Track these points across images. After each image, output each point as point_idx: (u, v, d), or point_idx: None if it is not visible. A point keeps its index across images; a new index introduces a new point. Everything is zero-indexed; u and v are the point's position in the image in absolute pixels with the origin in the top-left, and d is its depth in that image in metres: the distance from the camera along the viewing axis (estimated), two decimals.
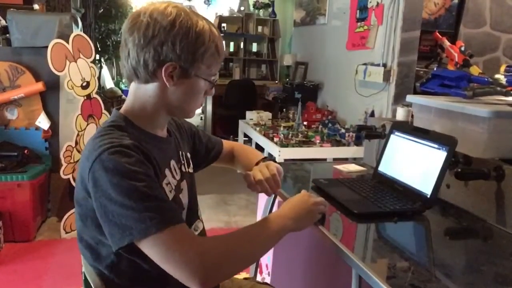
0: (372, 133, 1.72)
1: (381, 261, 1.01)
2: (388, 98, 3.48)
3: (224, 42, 1.03)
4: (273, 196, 1.63)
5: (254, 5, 6.11)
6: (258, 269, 1.86)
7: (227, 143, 1.36)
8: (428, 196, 1.20)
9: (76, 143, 2.77)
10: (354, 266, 0.95)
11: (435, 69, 1.84)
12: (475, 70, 1.97)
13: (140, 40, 0.88)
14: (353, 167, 1.72)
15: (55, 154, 2.92)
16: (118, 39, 6.07)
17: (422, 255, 1.06)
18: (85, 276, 0.99)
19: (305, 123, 3.96)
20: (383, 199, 1.25)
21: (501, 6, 4.21)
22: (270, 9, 6.06)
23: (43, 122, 2.91)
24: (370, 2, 3.74)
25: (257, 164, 1.23)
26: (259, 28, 6.08)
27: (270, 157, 3.66)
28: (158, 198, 0.83)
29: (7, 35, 2.98)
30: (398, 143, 1.41)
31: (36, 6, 3.34)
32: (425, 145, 1.28)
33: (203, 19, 0.93)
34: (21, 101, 2.90)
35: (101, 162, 0.82)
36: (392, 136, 1.44)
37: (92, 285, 0.95)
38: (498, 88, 1.40)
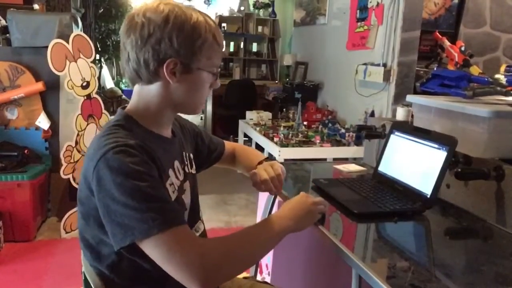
0: (372, 133, 1.72)
1: (381, 261, 1.01)
2: (388, 98, 3.48)
3: (224, 42, 1.02)
4: (273, 196, 1.63)
5: (254, 5, 6.11)
6: (258, 269, 1.86)
7: (228, 144, 1.36)
8: (428, 196, 1.21)
9: (76, 143, 2.77)
10: (354, 266, 0.95)
11: (435, 69, 1.84)
12: (475, 70, 1.97)
13: (137, 41, 0.89)
14: (353, 167, 1.72)
15: (55, 154, 2.92)
16: (118, 39, 6.06)
17: (422, 255, 1.06)
18: (85, 276, 0.99)
19: (305, 123, 3.96)
20: (383, 199, 1.25)
21: (501, 6, 4.21)
22: (270, 9, 6.07)
23: (43, 122, 2.91)
24: (370, 2, 3.74)
25: (259, 164, 1.23)
26: (259, 28, 6.08)
27: (270, 157, 3.66)
28: (161, 199, 0.83)
29: (7, 35, 2.98)
30: (398, 143, 1.41)
31: (36, 6, 3.35)
32: (425, 145, 1.28)
33: (197, 12, 0.92)
34: (21, 101, 2.90)
35: (106, 161, 0.82)
36: (392, 136, 1.44)
37: (92, 285, 0.95)
38: (498, 88, 1.40)
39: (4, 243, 2.61)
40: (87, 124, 2.82)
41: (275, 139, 3.45)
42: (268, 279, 1.97)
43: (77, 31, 3.03)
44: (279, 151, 3.27)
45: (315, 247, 1.75)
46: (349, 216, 1.18)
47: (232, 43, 6.19)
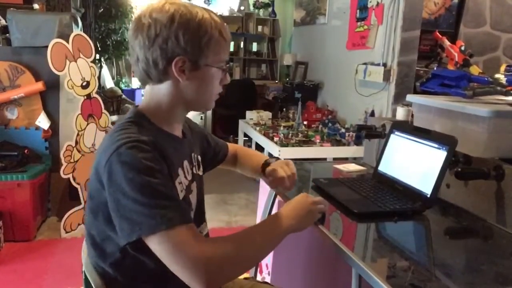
0: (372, 133, 1.72)
1: (381, 261, 1.01)
2: (388, 98, 3.48)
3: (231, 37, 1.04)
4: (273, 195, 1.63)
5: (254, 5, 6.11)
6: (258, 269, 1.86)
7: (230, 146, 1.38)
8: (428, 196, 1.21)
9: (76, 142, 2.77)
10: (354, 265, 0.95)
11: (435, 68, 1.84)
12: (475, 70, 1.97)
13: (145, 42, 0.90)
14: (353, 167, 1.72)
15: (55, 154, 2.92)
16: (118, 38, 6.06)
17: (422, 255, 1.06)
18: (85, 276, 0.99)
19: (305, 122, 3.96)
20: (383, 199, 1.25)
21: (501, 6, 4.21)
22: (270, 9, 6.07)
23: (43, 121, 2.91)
24: (370, 1, 3.74)
25: (264, 165, 1.27)
26: (259, 28, 6.08)
27: (271, 157, 3.65)
28: (170, 196, 0.84)
29: (7, 34, 2.98)
30: (398, 142, 1.41)
31: (36, 6, 3.34)
32: (425, 145, 1.28)
33: (202, 9, 0.94)
34: (21, 100, 2.90)
35: (118, 155, 0.83)
36: (392, 135, 1.44)
37: (92, 284, 0.95)
38: (498, 88, 1.40)
39: (4, 243, 2.61)
40: (87, 124, 2.82)
41: (275, 139, 3.45)
42: (268, 279, 1.97)
43: (77, 30, 3.03)
44: (279, 150, 3.27)
45: (315, 247, 1.75)
46: (349, 216, 1.18)
47: (232, 43, 6.18)
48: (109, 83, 6.43)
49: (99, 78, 3.99)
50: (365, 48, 3.82)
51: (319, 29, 4.90)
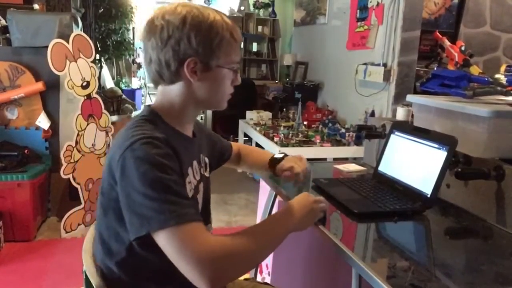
0: (372, 133, 1.72)
1: (381, 261, 1.01)
2: (388, 98, 3.48)
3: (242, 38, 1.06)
4: (273, 195, 1.63)
5: (254, 5, 6.11)
6: (258, 269, 1.86)
7: (233, 145, 1.42)
8: (428, 196, 1.20)
9: (76, 142, 2.77)
10: (354, 265, 0.95)
11: (435, 68, 1.84)
12: (475, 70, 1.97)
13: (158, 43, 0.92)
14: (353, 167, 1.72)
15: (55, 154, 2.92)
16: (118, 38, 6.06)
17: (422, 255, 1.06)
18: (86, 276, 0.99)
19: (305, 122, 3.96)
20: (383, 199, 1.25)
21: (501, 6, 4.21)
22: (270, 9, 6.07)
23: (43, 121, 2.91)
24: (370, 1, 3.74)
25: (272, 161, 1.37)
26: (259, 28, 6.09)
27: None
28: (181, 194, 0.85)
29: (7, 35, 2.98)
30: (398, 143, 1.41)
31: (36, 6, 3.34)
32: (425, 145, 1.28)
33: (214, 11, 0.96)
34: (21, 100, 2.90)
35: (132, 151, 0.84)
36: (392, 136, 1.44)
37: (93, 284, 0.95)
38: (498, 88, 1.40)
39: (4, 243, 2.61)
40: (87, 124, 2.83)
41: (275, 139, 3.46)
42: (268, 279, 1.97)
43: (77, 31, 3.03)
44: (279, 150, 3.25)
45: (315, 247, 1.75)
46: (349, 216, 1.18)
47: None
48: (109, 83, 6.43)
49: (99, 78, 3.98)
50: (365, 48, 3.82)
51: (319, 29, 4.90)
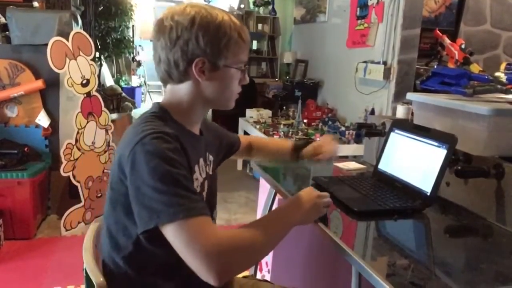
0: (372, 131, 1.72)
1: (381, 259, 1.01)
2: (388, 96, 3.48)
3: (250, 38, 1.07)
4: (273, 194, 1.63)
5: (254, 3, 6.10)
6: (258, 267, 1.86)
7: (242, 138, 1.45)
8: (428, 194, 1.21)
9: (76, 140, 2.77)
10: (354, 263, 0.95)
11: (435, 67, 1.84)
12: (475, 68, 1.96)
13: (167, 44, 0.94)
14: (353, 165, 1.72)
15: (55, 152, 2.92)
16: (118, 36, 6.06)
17: (422, 253, 1.06)
18: (86, 273, 0.99)
19: (305, 121, 3.96)
20: (383, 197, 1.25)
21: (502, 4, 4.21)
22: (270, 7, 6.06)
23: (43, 119, 2.91)
24: (371, 0, 3.73)
25: (296, 147, 1.43)
26: (259, 26, 6.08)
27: None
28: (189, 188, 0.86)
29: (7, 32, 2.97)
30: (398, 141, 1.41)
31: (35, 4, 3.33)
32: (425, 143, 1.28)
33: (222, 12, 0.98)
34: (21, 98, 2.90)
35: (143, 145, 0.86)
36: (392, 134, 1.44)
37: (94, 282, 0.95)
38: (498, 86, 1.40)
39: (4, 241, 2.61)
40: (87, 122, 2.83)
41: (275, 137, 3.45)
42: (268, 277, 1.98)
43: (77, 28, 3.02)
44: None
45: (315, 245, 1.75)
46: (349, 214, 1.18)
47: None
48: (109, 81, 6.43)
49: (99, 76, 3.98)
50: (365, 46, 3.81)
51: (319, 27, 4.90)
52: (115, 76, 7.09)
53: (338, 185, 1.38)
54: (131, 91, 7.18)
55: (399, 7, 3.36)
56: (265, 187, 1.99)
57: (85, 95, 2.80)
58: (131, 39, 6.81)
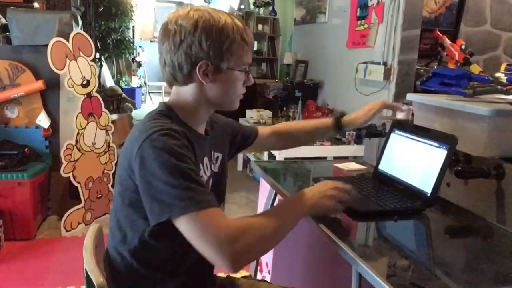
0: (373, 132, 1.71)
1: (381, 259, 1.01)
2: (388, 97, 3.48)
3: (253, 40, 1.08)
4: (273, 194, 1.63)
5: (254, 3, 6.11)
6: (258, 267, 1.86)
7: (263, 129, 1.44)
8: (428, 195, 1.20)
9: (77, 141, 2.77)
10: (354, 264, 0.95)
11: (435, 67, 1.84)
12: (475, 69, 1.97)
13: (171, 47, 0.97)
14: (353, 166, 1.72)
15: (56, 153, 2.92)
16: (118, 37, 6.06)
17: (422, 254, 1.06)
18: (87, 274, 0.99)
19: None
20: (383, 198, 1.25)
21: (502, 4, 4.21)
22: (270, 8, 6.06)
23: (43, 120, 2.91)
24: (371, 0, 3.73)
25: (337, 118, 1.44)
26: (259, 27, 6.08)
27: (271, 155, 3.66)
28: (199, 181, 0.89)
29: (7, 33, 2.97)
30: (398, 141, 1.41)
31: (36, 5, 3.33)
32: (425, 144, 1.28)
33: (225, 15, 0.99)
34: (21, 99, 2.90)
35: (151, 141, 0.88)
36: (392, 134, 1.44)
37: (94, 282, 0.95)
38: (499, 87, 1.40)
39: (4, 242, 2.61)
40: (87, 123, 2.83)
41: None
42: (268, 277, 1.98)
43: (77, 29, 3.03)
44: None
45: (316, 245, 1.75)
46: (349, 215, 1.18)
47: None
48: (109, 82, 6.44)
49: (99, 77, 3.98)
50: (366, 47, 3.82)
51: (320, 27, 4.90)
52: (115, 77, 7.09)
53: None
54: (131, 92, 7.18)
55: (399, 7, 3.36)
56: (265, 188, 1.99)
57: (85, 95, 2.81)
58: (131, 40, 6.82)
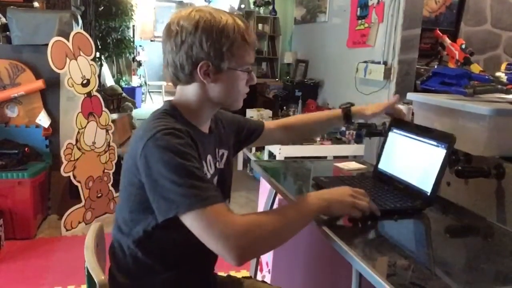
0: (373, 131, 1.71)
1: (381, 259, 1.01)
2: (388, 96, 3.48)
3: (255, 40, 1.09)
4: (273, 194, 1.63)
5: (254, 3, 6.10)
6: (259, 267, 1.86)
7: (269, 123, 1.45)
8: (428, 194, 1.20)
9: (77, 140, 2.77)
10: (354, 263, 0.95)
11: (435, 67, 1.84)
12: (475, 68, 1.97)
13: (173, 48, 0.99)
14: (353, 165, 1.71)
15: (56, 152, 2.92)
16: (118, 36, 6.06)
17: (423, 253, 1.06)
18: (88, 272, 0.99)
19: None
20: (383, 197, 1.25)
21: (502, 4, 4.21)
22: (270, 7, 6.05)
23: (43, 119, 2.91)
24: (371, 0, 3.73)
25: (345, 108, 1.40)
26: (260, 26, 6.08)
27: (271, 155, 3.66)
28: (203, 179, 0.91)
29: (7, 32, 2.97)
30: (397, 140, 1.41)
31: (36, 4, 3.34)
32: (424, 143, 1.28)
33: (227, 15, 1.00)
34: (21, 99, 2.90)
35: (155, 140, 0.90)
36: (390, 133, 1.44)
37: (96, 281, 0.95)
38: (499, 86, 1.40)
39: (4, 241, 2.61)
40: (88, 122, 2.83)
41: None
42: (268, 277, 1.98)
43: (77, 29, 3.03)
44: (280, 148, 3.27)
45: (316, 245, 1.75)
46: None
47: None
48: (109, 81, 6.44)
49: (99, 76, 3.99)
50: (366, 46, 3.81)
51: (320, 27, 4.90)
52: (116, 76, 7.09)
53: (338, 185, 1.37)
54: (132, 91, 7.18)
55: (400, 7, 3.36)
56: (265, 187, 1.99)
57: (85, 95, 2.81)
58: (132, 39, 6.81)
